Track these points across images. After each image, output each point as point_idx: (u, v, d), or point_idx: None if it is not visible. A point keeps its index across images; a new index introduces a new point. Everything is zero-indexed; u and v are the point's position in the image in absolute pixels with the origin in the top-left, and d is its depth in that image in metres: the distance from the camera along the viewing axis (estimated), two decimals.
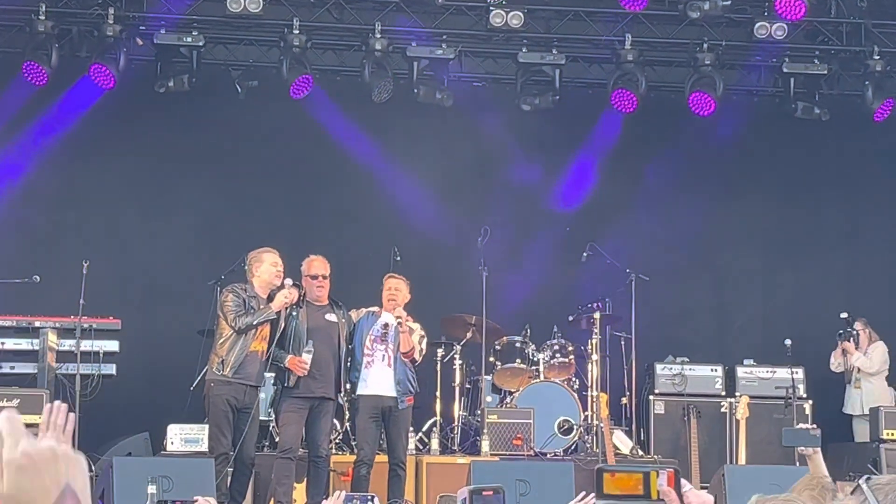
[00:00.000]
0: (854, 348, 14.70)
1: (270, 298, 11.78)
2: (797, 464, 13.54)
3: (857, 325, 14.80)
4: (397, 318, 12.24)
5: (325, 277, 12.12)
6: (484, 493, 3.67)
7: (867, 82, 15.41)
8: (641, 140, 16.06)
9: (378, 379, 12.19)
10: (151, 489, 8.02)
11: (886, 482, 3.42)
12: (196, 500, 5.07)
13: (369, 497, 6.89)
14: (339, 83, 15.59)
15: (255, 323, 11.62)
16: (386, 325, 12.31)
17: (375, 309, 12.45)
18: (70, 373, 13.07)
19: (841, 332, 14.76)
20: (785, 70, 15.48)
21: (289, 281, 11.81)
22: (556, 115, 15.69)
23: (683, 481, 2.96)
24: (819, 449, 5.44)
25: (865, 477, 3.47)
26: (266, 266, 11.86)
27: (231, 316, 11.62)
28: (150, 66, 15.03)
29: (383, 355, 12.24)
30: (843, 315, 14.76)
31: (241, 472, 11.78)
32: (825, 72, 15.46)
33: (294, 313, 11.89)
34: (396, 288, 12.37)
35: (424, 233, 15.64)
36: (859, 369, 14.70)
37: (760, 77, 16.13)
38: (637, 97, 15.21)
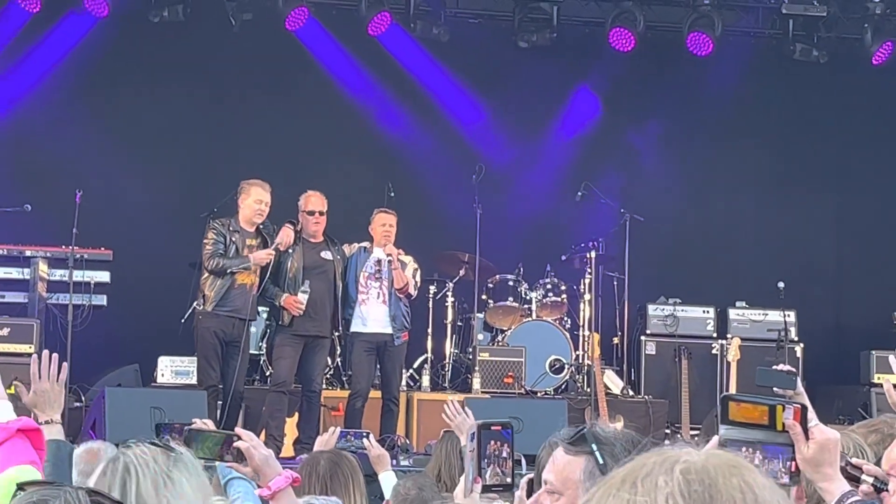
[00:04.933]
0: None
1: (258, 231, 11.70)
2: None
3: None
4: (388, 254, 12.19)
5: (321, 213, 12.03)
6: (493, 427, 3.65)
7: (866, 25, 15.34)
8: (638, 80, 15.97)
9: (374, 316, 12.16)
10: None
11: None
12: (194, 422, 5.02)
13: (364, 433, 6.91)
14: (334, 16, 15.45)
15: (227, 270, 11.51)
16: (379, 262, 12.26)
17: (367, 244, 12.39)
18: (61, 303, 13.03)
19: None
20: (784, 11, 15.38)
21: (285, 236, 11.69)
22: (553, 54, 15.60)
23: (810, 415, 2.92)
24: (801, 391, 5.32)
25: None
26: (250, 202, 11.71)
27: (206, 255, 11.54)
28: None
29: (378, 292, 12.20)
30: None
31: (231, 405, 11.73)
32: (824, 14, 15.35)
33: (290, 251, 11.82)
34: (391, 224, 12.29)
35: (419, 168, 15.57)
36: None
37: (759, 18, 16.01)
38: (635, 36, 15.11)
